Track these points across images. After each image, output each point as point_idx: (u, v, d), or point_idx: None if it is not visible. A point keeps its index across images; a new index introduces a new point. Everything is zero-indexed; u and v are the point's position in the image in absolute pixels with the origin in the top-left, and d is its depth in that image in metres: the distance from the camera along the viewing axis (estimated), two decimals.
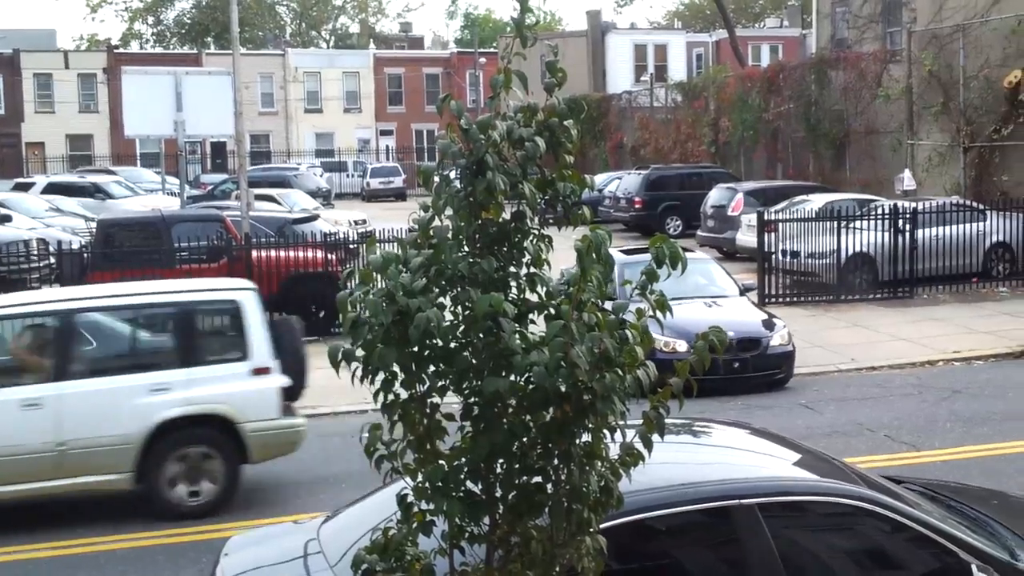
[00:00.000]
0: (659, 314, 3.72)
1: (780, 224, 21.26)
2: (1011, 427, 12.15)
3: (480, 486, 3.89)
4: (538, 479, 3.90)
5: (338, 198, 52.47)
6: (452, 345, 3.75)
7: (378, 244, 3.99)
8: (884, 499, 5.25)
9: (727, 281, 16.04)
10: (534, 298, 3.84)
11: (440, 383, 3.83)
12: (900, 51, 29.34)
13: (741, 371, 14.04)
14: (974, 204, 22.71)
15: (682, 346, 13.30)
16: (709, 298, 15.19)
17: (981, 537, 5.39)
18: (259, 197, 28.19)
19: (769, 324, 14.76)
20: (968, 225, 21.67)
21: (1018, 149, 24.46)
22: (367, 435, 3.90)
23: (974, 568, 5.02)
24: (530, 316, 3.82)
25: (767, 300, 20.57)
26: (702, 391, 13.49)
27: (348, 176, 60.55)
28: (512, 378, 3.69)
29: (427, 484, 3.84)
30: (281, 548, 5.80)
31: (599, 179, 36.36)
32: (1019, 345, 16.94)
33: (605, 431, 3.86)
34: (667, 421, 3.93)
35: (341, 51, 76.06)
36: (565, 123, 3.78)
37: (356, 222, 30.66)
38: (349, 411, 14.07)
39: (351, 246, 20.37)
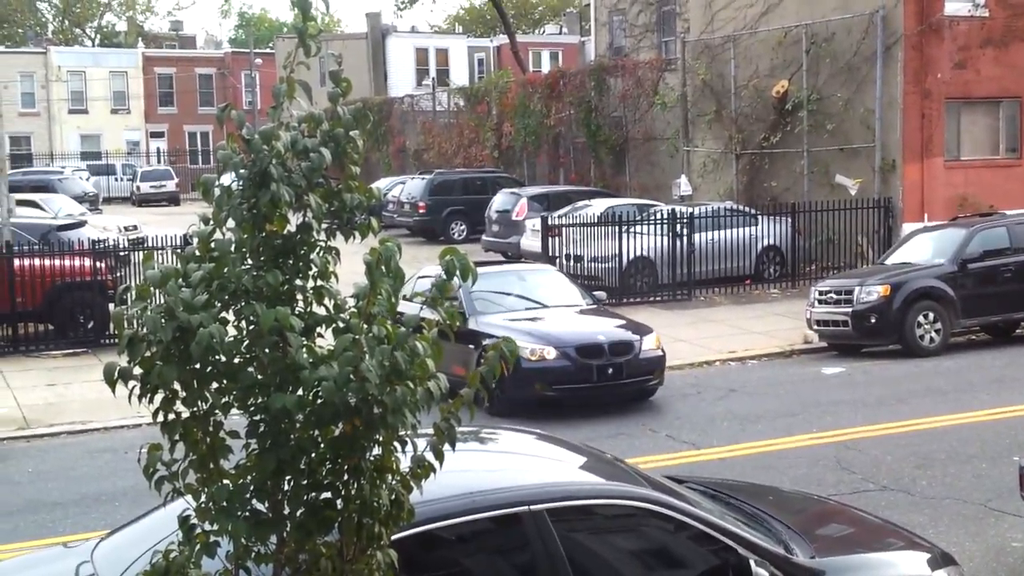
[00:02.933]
0: (450, 325, 3.75)
1: (563, 229, 21.75)
2: (784, 423, 12.82)
3: (266, 504, 3.82)
4: (327, 495, 3.86)
5: (106, 203, 50.52)
6: (236, 361, 3.67)
7: (156, 257, 3.87)
8: (667, 499, 5.43)
9: (575, 291, 15.82)
10: (322, 311, 3.80)
11: (224, 400, 3.74)
12: (675, 60, 30.51)
13: (615, 377, 13.57)
14: (746, 209, 23.85)
15: (551, 353, 13.30)
16: (568, 307, 15.03)
17: (758, 533, 5.64)
18: (20, 203, 26.82)
19: (638, 329, 14.49)
20: (741, 229, 22.74)
21: (786, 156, 25.83)
22: (146, 455, 3.76)
23: (752, 563, 5.25)
24: (318, 330, 3.78)
25: None
26: (575, 401, 13.14)
27: (117, 180, 58.38)
28: (300, 393, 3.64)
29: (211, 504, 3.75)
30: (50, 574, 5.54)
31: (382, 184, 36.28)
32: (789, 344, 17.91)
33: (396, 444, 3.86)
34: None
35: (108, 50, 73.21)
36: (351, 133, 3.76)
37: (126, 228, 29.56)
38: (121, 426, 13.59)
39: (121, 253, 19.63)
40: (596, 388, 13.55)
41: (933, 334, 16.93)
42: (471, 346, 13.27)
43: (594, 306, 15.45)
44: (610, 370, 13.51)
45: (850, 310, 17.07)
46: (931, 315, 16.92)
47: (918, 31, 23.27)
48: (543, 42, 60.21)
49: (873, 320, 16.92)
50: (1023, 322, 18.29)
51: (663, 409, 13.89)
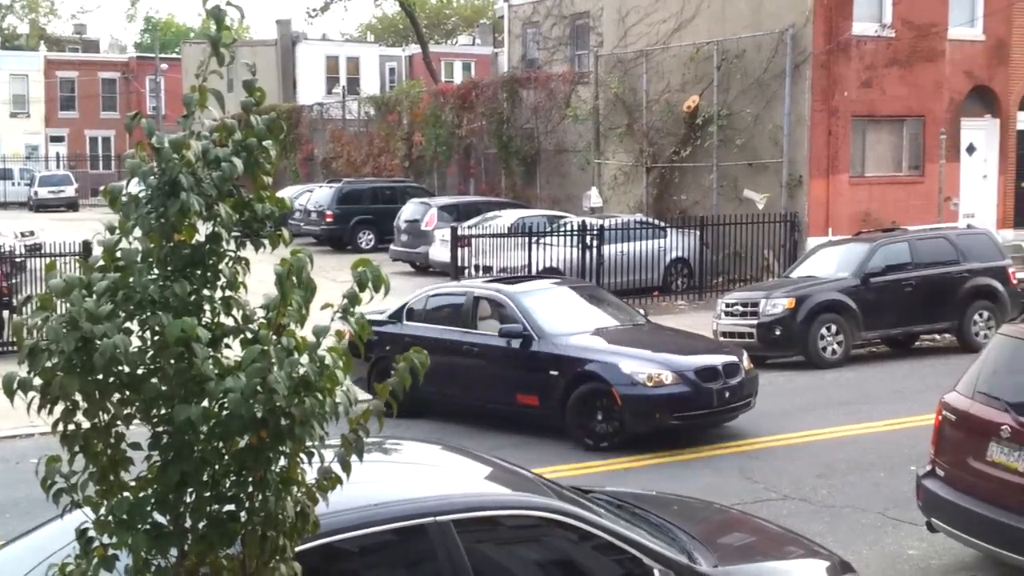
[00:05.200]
0: (360, 337, 3.78)
1: (473, 239, 21.82)
2: (687, 434, 12.99)
3: (168, 517, 3.80)
4: (231, 507, 3.85)
5: (2, 208, 49.31)
6: (140, 372, 3.65)
7: (58, 266, 3.83)
8: (572, 509, 5.51)
9: (626, 306, 15.07)
10: (229, 322, 3.80)
11: (126, 411, 3.71)
12: (588, 73, 30.83)
13: (730, 401, 12.64)
14: (655, 222, 24.17)
15: (668, 378, 12.20)
16: (632, 325, 14.07)
17: (662, 542, 5.76)
18: None
19: (727, 347, 14.00)
20: (650, 242, 23.04)
21: (695, 170, 26.25)
22: (44, 467, 3.72)
23: (656, 573, 5.36)
24: (225, 341, 3.78)
25: None
26: (693, 430, 12.49)
27: (14, 184, 57.07)
28: (205, 405, 3.64)
29: (110, 517, 3.72)
30: None
31: (289, 192, 36.01)
32: None
33: (302, 456, 3.87)
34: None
35: (8, 52, 71.46)
36: (264, 143, 3.78)
37: (23, 234, 28.90)
38: (13, 435, 13.30)
39: (18, 260, 19.23)
40: (713, 414, 12.66)
41: (836, 346, 17.34)
42: (553, 372, 12.55)
43: (645, 322, 14.63)
44: (727, 393, 12.57)
45: (756, 322, 17.40)
46: (834, 328, 17.32)
47: (826, 50, 23.84)
48: (456, 52, 60.33)
49: (778, 332, 17.26)
50: (922, 335, 18.83)
51: None
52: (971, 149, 26.56)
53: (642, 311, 15.38)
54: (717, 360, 12.71)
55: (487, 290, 14.24)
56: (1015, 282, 18.61)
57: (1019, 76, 26.85)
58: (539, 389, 12.73)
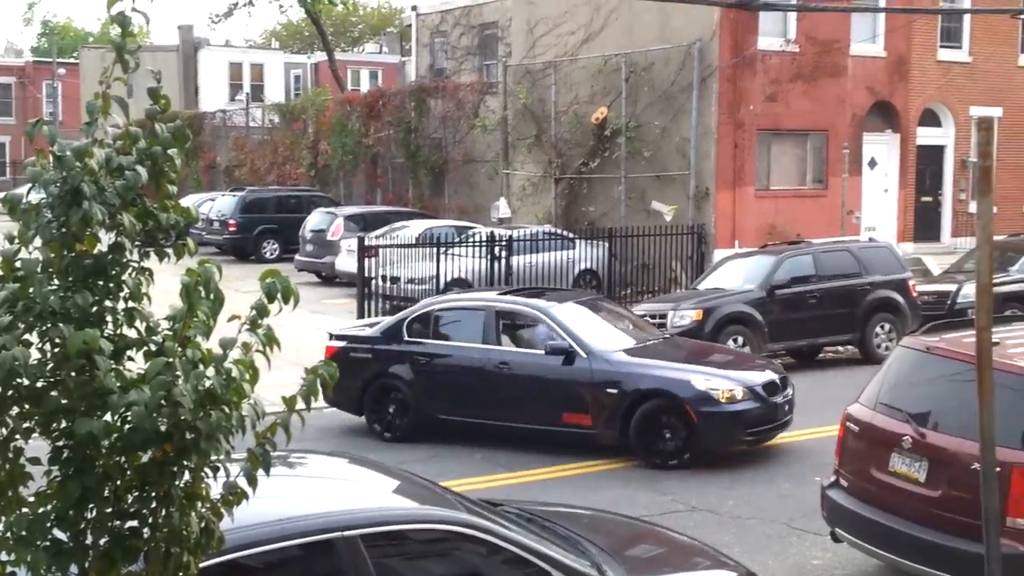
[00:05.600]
0: (268, 349, 3.76)
1: (380, 249, 21.74)
2: (597, 446, 13.09)
3: (68, 533, 3.74)
4: (134, 523, 3.80)
5: None
6: (40, 385, 3.58)
7: None
8: (481, 522, 5.53)
9: (647, 322, 15.10)
10: (133, 334, 3.75)
11: (26, 425, 3.65)
12: (496, 83, 30.94)
13: (787, 414, 12.70)
14: (564, 233, 24.33)
15: (739, 392, 12.15)
16: (662, 339, 14.07)
17: (572, 555, 5.81)
18: None
19: (766, 362, 14.01)
20: (559, 253, 23.17)
21: (604, 181, 26.49)
22: None
23: None
24: (128, 353, 3.73)
25: None
26: (758, 441, 12.43)
27: None
28: (107, 418, 3.59)
29: (8, 533, 3.65)
30: None
31: (191, 200, 35.49)
32: None
33: (208, 470, 3.84)
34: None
35: None
36: (169, 152, 3.74)
37: None
38: None
39: None
40: (776, 428, 12.58)
41: None
42: (611, 390, 12.29)
43: (669, 335, 14.83)
44: (786, 407, 12.64)
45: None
46: (740, 339, 17.61)
47: (732, 64, 24.26)
48: (363, 60, 60.04)
49: None
50: (826, 347, 19.23)
51: (479, 433, 13.99)
52: (873, 163, 27.23)
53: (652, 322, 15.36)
54: (775, 374, 12.87)
55: (514, 304, 13.66)
56: (915, 295, 19.13)
57: (919, 92, 27.63)
58: (592, 408, 12.44)
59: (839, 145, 24.98)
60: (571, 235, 24.16)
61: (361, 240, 21.87)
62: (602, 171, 26.51)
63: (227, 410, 3.65)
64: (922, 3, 22.54)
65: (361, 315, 20.99)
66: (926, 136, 28.16)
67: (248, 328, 3.75)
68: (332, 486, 5.94)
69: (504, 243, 22.35)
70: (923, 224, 28.26)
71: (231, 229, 32.32)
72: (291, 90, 54.87)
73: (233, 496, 3.95)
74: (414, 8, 38.66)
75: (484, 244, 22.39)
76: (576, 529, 6.44)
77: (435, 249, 21.79)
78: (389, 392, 13.53)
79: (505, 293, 14.52)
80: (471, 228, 25.19)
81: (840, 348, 19.45)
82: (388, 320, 14.26)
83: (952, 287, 20.02)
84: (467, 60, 34.84)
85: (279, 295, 3.72)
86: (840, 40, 25.55)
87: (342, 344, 13.82)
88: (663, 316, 17.74)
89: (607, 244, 23.76)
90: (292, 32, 74.74)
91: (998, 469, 6.42)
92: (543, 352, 12.76)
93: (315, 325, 21.03)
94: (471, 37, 34.85)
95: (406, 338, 13.54)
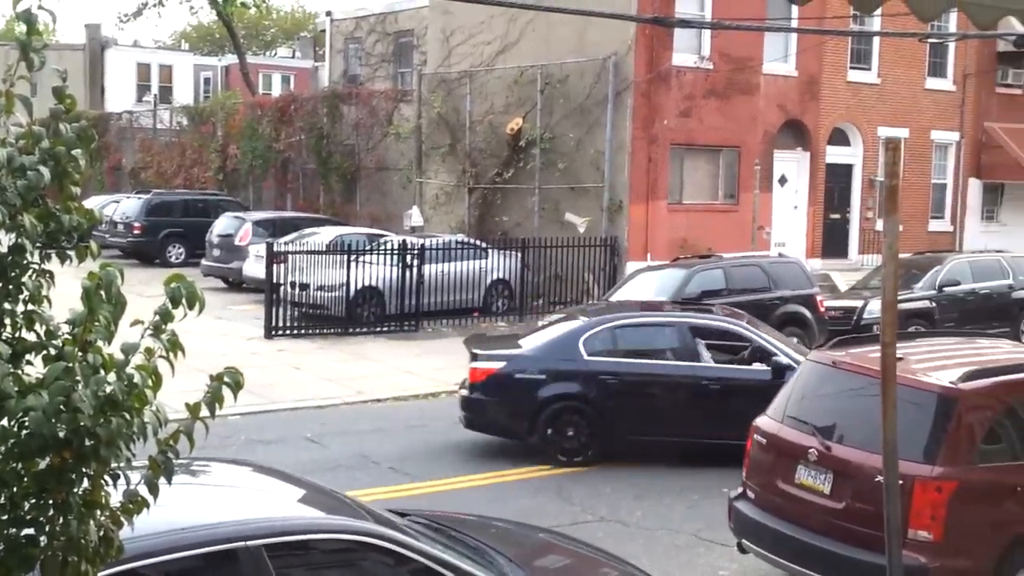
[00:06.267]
0: (171, 355, 3.70)
1: (289, 256, 21.56)
2: (506, 455, 13.14)
3: None
4: (30, 531, 3.72)
5: None
6: None
7: None
8: (389, 533, 5.51)
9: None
10: (32, 338, 3.67)
11: None
12: (411, 91, 30.90)
13: None
14: (477, 242, 24.37)
15: None
16: None
17: (479, 565, 5.82)
18: None
19: None
20: (471, 262, 23.21)
21: (518, 192, 26.59)
22: None
23: None
24: (27, 357, 3.65)
25: (274, 332, 20.81)
26: None
27: None
28: (4, 423, 3.51)
29: None
30: None
31: (95, 202, 34.83)
32: None
33: (107, 478, 3.77)
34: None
35: None
36: (73, 152, 3.67)
37: None
38: None
39: None
40: None
41: None
42: None
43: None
44: None
45: None
46: None
47: (647, 79, 24.54)
48: (274, 64, 59.54)
49: None
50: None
51: (387, 441, 13.98)
52: (783, 180, 27.74)
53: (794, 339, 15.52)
54: None
55: (713, 321, 13.54)
56: (823, 310, 19.50)
57: (828, 112, 28.23)
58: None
59: (751, 161, 25.39)
60: (484, 245, 24.21)
61: (270, 246, 21.68)
62: (516, 182, 26.61)
63: (128, 416, 3.59)
64: (833, 24, 23.01)
65: (269, 322, 20.82)
66: (835, 155, 28.79)
67: (151, 333, 3.69)
68: (236, 495, 5.87)
69: (416, 251, 22.31)
70: (831, 241, 28.86)
71: (136, 232, 31.80)
72: (200, 93, 54.17)
73: (133, 504, 3.89)
74: (328, 13, 38.48)
75: (396, 252, 22.34)
76: (484, 539, 6.45)
77: (346, 256, 21.68)
78: (571, 414, 12.95)
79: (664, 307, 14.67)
80: (383, 236, 25.11)
81: None
82: (549, 338, 13.55)
83: (858, 303, 20.45)
84: (382, 67, 34.76)
85: (183, 300, 3.67)
86: (753, 58, 26.00)
87: (500, 365, 13.18)
88: None
89: (520, 254, 23.85)
90: (203, 34, 73.84)
91: (901, 482, 6.58)
92: (757, 367, 12.75)
93: (221, 331, 20.85)
94: (386, 44, 34.77)
95: (585, 356, 13.05)
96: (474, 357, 13.35)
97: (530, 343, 13.56)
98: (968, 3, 4.85)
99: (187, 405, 3.76)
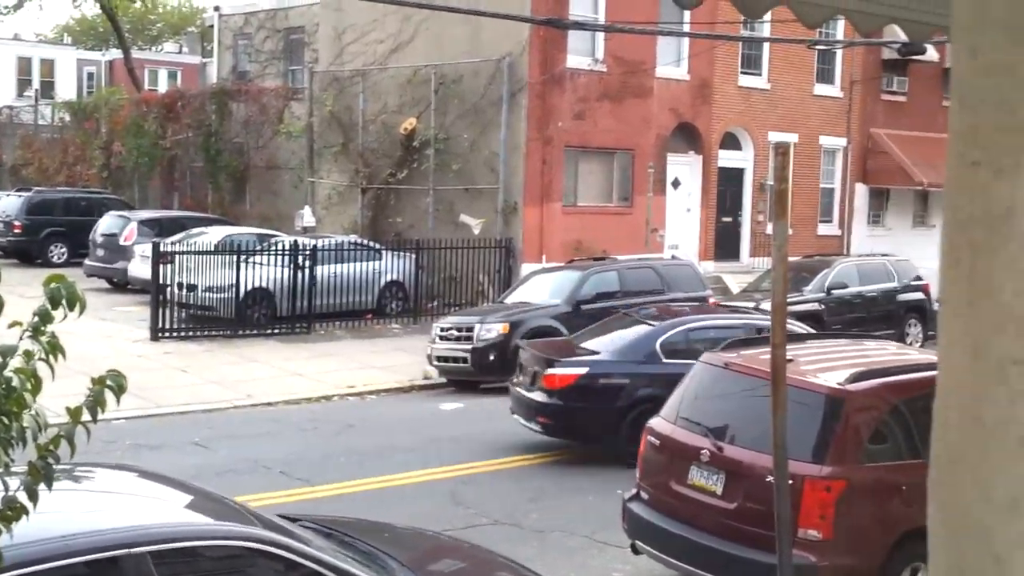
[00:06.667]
0: (52, 357, 3.59)
1: (176, 256, 21.18)
2: (402, 459, 13.09)
3: None
4: None
5: None
6: None
7: None
8: (279, 538, 5.43)
9: None
10: None
11: None
12: (302, 89, 30.59)
13: None
14: (371, 243, 24.23)
15: None
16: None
17: (371, 570, 5.77)
18: None
19: None
20: (365, 263, 23.06)
21: (412, 193, 26.50)
22: None
23: None
24: None
25: (161, 334, 20.42)
26: None
27: None
28: None
29: None
30: None
31: None
32: (409, 380, 18.32)
33: None
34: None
35: None
36: None
37: None
38: None
39: None
40: None
41: None
42: None
43: None
44: None
45: (470, 347, 17.72)
46: None
47: (541, 80, 24.65)
48: (161, 60, 58.40)
49: (492, 357, 17.63)
50: None
51: (277, 445, 13.81)
52: (676, 183, 28.13)
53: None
54: None
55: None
56: None
57: (720, 115, 28.71)
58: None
59: (644, 164, 25.69)
60: (378, 246, 24.08)
61: (156, 245, 21.27)
62: (410, 182, 26.52)
63: (6, 421, 3.48)
64: (724, 30, 23.40)
65: (155, 324, 20.43)
66: (727, 159, 29.29)
67: (30, 335, 3.58)
68: (120, 501, 5.74)
69: (308, 252, 22.09)
70: (723, 243, 29.35)
71: (16, 231, 30.94)
72: (84, 88, 52.92)
73: (12, 511, 3.76)
74: (216, 8, 37.88)
75: (287, 253, 22.09)
76: (377, 544, 6.40)
77: (235, 257, 21.37)
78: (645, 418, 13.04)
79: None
80: (274, 236, 24.82)
81: None
82: (626, 341, 13.66)
83: (750, 304, 20.81)
84: (272, 64, 34.33)
85: (64, 301, 3.56)
86: (646, 62, 26.29)
87: (582, 371, 13.19)
88: (470, 329, 17.85)
89: (414, 256, 23.79)
90: (86, 28, 72.07)
91: (791, 481, 6.69)
92: None
93: (105, 333, 20.38)
94: (276, 41, 34.35)
95: (664, 359, 13.11)
96: (550, 363, 13.36)
97: (603, 347, 13.67)
98: (852, 11, 4.96)
99: (68, 409, 3.66)
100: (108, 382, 3.75)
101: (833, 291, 21.49)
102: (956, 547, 1.51)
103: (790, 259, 6.91)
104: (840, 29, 28.54)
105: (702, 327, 13.91)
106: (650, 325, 13.88)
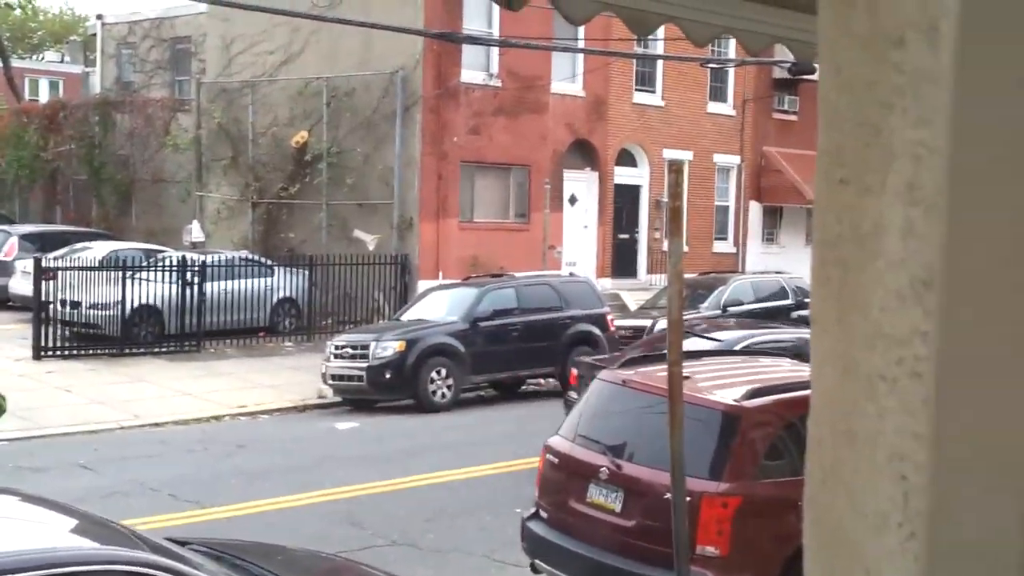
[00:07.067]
0: None
1: (60, 272, 20.71)
2: (296, 480, 12.94)
3: None
4: None
5: None
6: None
7: None
8: (167, 562, 5.33)
9: None
10: None
11: None
12: (189, 101, 30.15)
13: None
14: (262, 259, 23.96)
15: None
16: None
17: None
18: None
19: None
20: (256, 280, 22.79)
21: (304, 207, 26.28)
22: None
23: None
24: None
25: (44, 353, 19.93)
26: None
27: None
28: None
29: None
30: None
31: None
32: (303, 399, 18.15)
33: None
34: None
35: None
36: None
37: None
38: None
39: None
40: None
41: (445, 389, 17.87)
42: None
43: None
44: None
45: (366, 365, 17.60)
46: (444, 371, 17.85)
47: (436, 94, 24.67)
48: (42, 69, 57.06)
49: (388, 375, 17.55)
50: (528, 379, 19.78)
51: (166, 466, 13.55)
52: (573, 200, 28.36)
53: None
54: None
55: None
56: (613, 329, 19.99)
57: (616, 132, 29.04)
58: None
59: (541, 180, 25.85)
60: (269, 261, 23.83)
61: (38, 261, 20.76)
62: (303, 197, 26.30)
63: None
64: (618, 47, 23.70)
65: (37, 342, 19.93)
66: (623, 175, 29.63)
67: None
68: (1, 525, 5.58)
69: (197, 268, 21.76)
70: (621, 260, 29.66)
71: None
72: None
73: None
74: (99, 17, 37.14)
75: (175, 269, 21.74)
76: (270, 567, 6.32)
77: (121, 273, 20.96)
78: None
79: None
80: (161, 251, 24.41)
81: (542, 380, 20.04)
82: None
83: (647, 322, 21.05)
84: (157, 74, 33.75)
85: None
86: (542, 78, 26.49)
87: None
88: (365, 347, 17.75)
89: (307, 272, 23.59)
90: None
91: (688, 498, 6.78)
92: None
93: None
94: (162, 51, 33.80)
95: None
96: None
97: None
98: (740, 30, 5.07)
99: None
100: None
101: (729, 308, 21.84)
102: (829, 562, 1.56)
103: (686, 276, 7.02)
104: (732, 48, 29.09)
105: (763, 340, 14.16)
106: (716, 340, 14.03)
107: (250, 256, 24.06)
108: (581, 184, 28.53)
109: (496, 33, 25.31)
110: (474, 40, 23.58)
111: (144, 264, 22.09)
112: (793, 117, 33.51)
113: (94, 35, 38.84)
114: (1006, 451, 1.36)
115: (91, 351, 20.62)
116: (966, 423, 1.34)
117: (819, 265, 1.47)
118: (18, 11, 52.58)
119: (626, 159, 29.76)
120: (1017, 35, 1.31)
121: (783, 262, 29.86)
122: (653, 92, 30.20)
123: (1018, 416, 1.35)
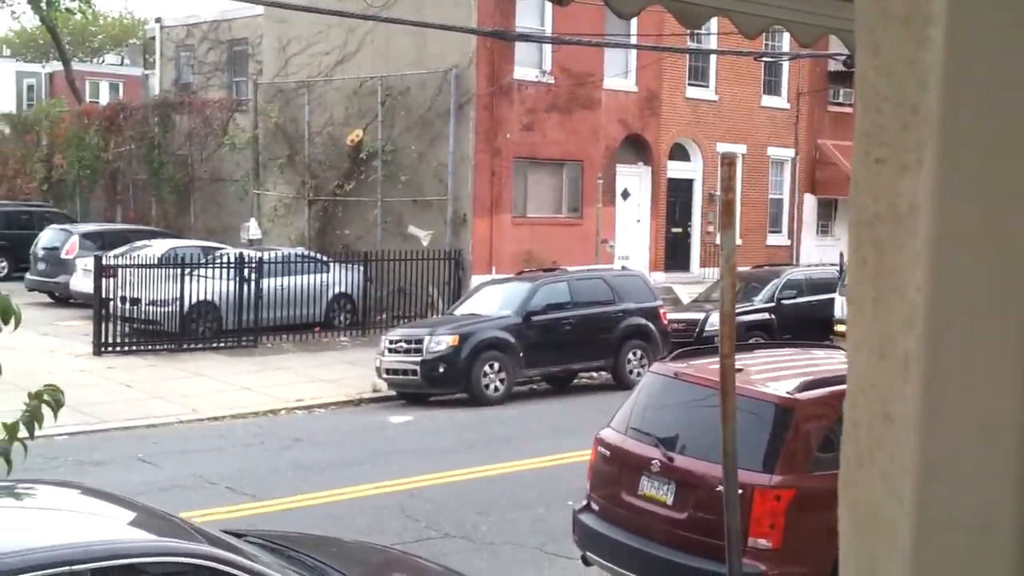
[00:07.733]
0: None
1: (120, 269, 20.97)
2: (350, 473, 13.02)
3: None
4: None
5: None
6: None
7: None
8: (223, 554, 5.38)
9: None
10: None
11: None
12: (247, 101, 30.40)
13: None
14: (318, 256, 24.11)
15: None
16: None
17: None
18: None
19: None
20: (312, 276, 22.94)
21: (359, 204, 26.41)
22: None
23: None
24: None
25: (104, 349, 20.20)
26: None
27: None
28: None
29: None
30: None
31: None
32: (358, 393, 18.24)
33: None
34: None
35: None
36: None
37: None
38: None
39: None
40: None
41: (498, 383, 17.88)
42: None
43: None
44: None
45: (420, 359, 17.66)
46: (497, 365, 17.86)
47: (489, 92, 24.68)
48: (102, 72, 57.78)
49: (442, 369, 17.60)
50: (580, 372, 19.75)
51: (223, 460, 13.68)
52: (626, 194, 28.25)
53: None
54: None
55: None
56: (666, 322, 19.90)
57: (669, 127, 28.88)
58: None
59: (594, 175, 25.78)
60: (325, 258, 23.97)
61: (98, 259, 21.04)
62: (358, 194, 26.43)
63: None
64: (671, 42, 23.57)
65: (98, 338, 20.19)
66: (676, 169, 29.47)
67: None
68: (61, 518, 5.66)
69: (254, 265, 21.94)
70: (673, 254, 29.51)
71: None
72: (24, 100, 52.28)
73: None
74: (158, 20, 37.56)
75: (233, 265, 21.92)
76: (324, 559, 6.35)
77: (179, 270, 21.18)
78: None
79: None
80: (219, 249, 24.63)
81: (594, 374, 20.00)
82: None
83: (700, 315, 20.94)
84: (215, 76, 34.08)
85: None
86: (594, 74, 26.41)
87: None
88: (419, 341, 17.80)
89: (363, 268, 23.70)
90: (26, 40, 71.26)
91: (740, 491, 6.73)
92: None
93: (47, 348, 20.13)
94: (219, 52, 34.12)
95: None
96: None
97: None
98: (791, 22, 5.02)
99: (3, 425, 3.60)
100: (45, 397, 3.70)
101: (783, 301, 21.66)
102: (866, 546, 1.53)
103: (740, 269, 6.96)
104: (786, 41, 28.83)
105: None
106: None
107: (306, 252, 24.22)
108: (634, 178, 28.41)
109: (548, 30, 25.27)
110: (526, 38, 23.57)
111: (202, 261, 22.30)
112: (848, 109, 33.09)
113: (153, 38, 39.31)
114: None
115: (150, 347, 20.87)
116: None
117: (855, 246, 1.44)
118: (78, 16, 53.25)
119: (679, 153, 29.60)
120: None
121: (837, 255, 29.53)
122: (706, 87, 30.00)
123: None
